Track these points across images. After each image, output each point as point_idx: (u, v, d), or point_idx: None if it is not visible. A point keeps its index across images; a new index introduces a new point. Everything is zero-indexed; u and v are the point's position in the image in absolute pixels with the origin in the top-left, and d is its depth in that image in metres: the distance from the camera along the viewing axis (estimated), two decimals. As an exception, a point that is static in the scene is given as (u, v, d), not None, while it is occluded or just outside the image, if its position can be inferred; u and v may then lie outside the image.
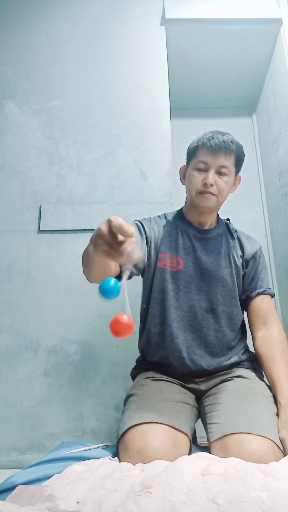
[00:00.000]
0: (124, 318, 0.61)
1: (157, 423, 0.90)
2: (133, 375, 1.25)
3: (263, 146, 2.37)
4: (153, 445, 0.85)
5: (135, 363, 1.27)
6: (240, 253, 1.22)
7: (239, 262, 1.20)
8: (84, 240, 1.71)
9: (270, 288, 1.21)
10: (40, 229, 1.69)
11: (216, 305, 1.15)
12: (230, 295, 1.16)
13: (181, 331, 1.12)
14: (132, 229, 0.62)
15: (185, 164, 1.24)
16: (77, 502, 0.62)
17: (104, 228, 0.64)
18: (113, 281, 0.62)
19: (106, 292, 0.62)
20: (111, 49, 1.96)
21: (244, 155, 1.18)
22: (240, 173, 1.22)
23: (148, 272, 1.19)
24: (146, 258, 1.17)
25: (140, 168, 1.81)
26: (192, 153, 1.19)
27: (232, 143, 1.12)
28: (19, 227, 1.71)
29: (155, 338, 1.15)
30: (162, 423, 0.90)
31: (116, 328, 0.61)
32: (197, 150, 1.15)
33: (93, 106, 1.88)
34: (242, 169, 1.21)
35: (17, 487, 0.69)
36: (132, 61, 1.95)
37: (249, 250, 1.22)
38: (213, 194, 1.13)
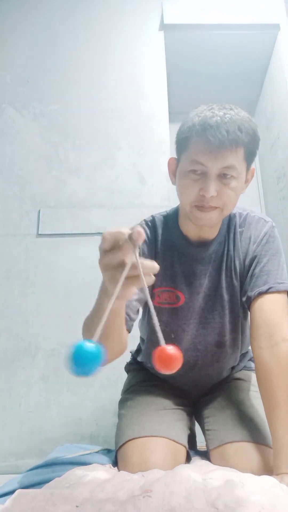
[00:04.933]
0: (169, 349, 0.47)
1: (156, 436, 0.88)
2: (128, 371, 1.19)
3: (261, 150, 2.37)
4: (152, 460, 0.83)
5: (131, 356, 1.20)
6: (244, 253, 0.93)
7: (243, 268, 0.93)
8: (83, 244, 1.72)
9: (283, 283, 0.85)
10: (39, 233, 1.69)
11: (225, 335, 0.96)
12: (239, 316, 0.98)
13: (183, 373, 0.92)
14: (119, 230, 0.49)
15: (175, 156, 0.88)
16: (77, 506, 0.61)
17: (107, 252, 0.49)
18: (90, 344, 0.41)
19: (88, 363, 0.40)
20: (110, 54, 1.97)
21: (259, 138, 0.81)
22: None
23: (143, 309, 1.01)
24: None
25: (139, 172, 1.81)
26: (182, 144, 0.83)
27: (240, 130, 0.75)
28: (18, 231, 1.70)
29: (154, 377, 1.07)
30: (161, 436, 0.88)
31: (163, 360, 0.46)
32: (189, 142, 0.80)
33: (92, 110, 1.89)
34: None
35: (17, 491, 0.68)
36: (131, 65, 1.96)
37: (254, 243, 0.92)
38: (216, 207, 0.81)
